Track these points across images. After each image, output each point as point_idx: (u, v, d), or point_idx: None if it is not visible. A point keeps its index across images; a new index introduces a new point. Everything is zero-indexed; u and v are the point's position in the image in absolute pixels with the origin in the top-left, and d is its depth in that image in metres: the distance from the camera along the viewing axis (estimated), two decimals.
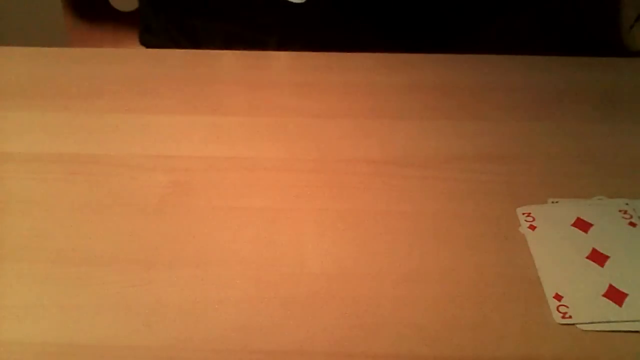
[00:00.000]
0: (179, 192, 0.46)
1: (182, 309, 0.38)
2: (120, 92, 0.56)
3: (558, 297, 0.38)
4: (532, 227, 0.43)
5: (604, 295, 0.38)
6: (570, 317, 0.37)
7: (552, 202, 0.45)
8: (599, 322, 0.37)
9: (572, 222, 0.43)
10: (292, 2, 0.50)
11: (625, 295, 0.38)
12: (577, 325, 0.37)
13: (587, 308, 0.37)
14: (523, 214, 0.44)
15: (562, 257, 0.41)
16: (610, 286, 0.38)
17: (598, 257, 0.40)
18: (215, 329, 0.37)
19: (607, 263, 0.40)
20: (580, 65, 0.60)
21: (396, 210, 0.44)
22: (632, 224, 0.42)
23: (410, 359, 0.35)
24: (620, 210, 0.43)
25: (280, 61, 0.56)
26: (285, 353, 0.36)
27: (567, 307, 0.37)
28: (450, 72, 0.58)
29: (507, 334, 0.36)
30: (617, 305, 0.37)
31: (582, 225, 0.43)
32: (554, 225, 0.43)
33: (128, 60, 0.62)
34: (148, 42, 0.77)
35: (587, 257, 0.40)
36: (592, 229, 0.42)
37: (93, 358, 0.36)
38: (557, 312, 0.37)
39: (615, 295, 0.38)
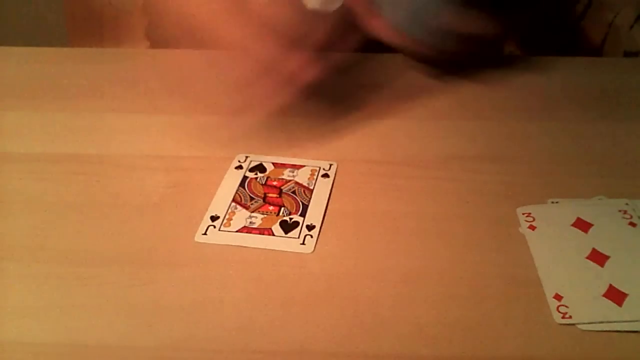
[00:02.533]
0: (179, 192, 0.46)
1: (182, 309, 0.38)
2: (120, 92, 0.56)
3: (558, 297, 0.38)
4: (532, 227, 0.43)
5: (604, 295, 0.38)
6: (570, 317, 0.37)
7: (552, 202, 0.45)
8: (599, 322, 0.37)
9: (572, 222, 0.43)
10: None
11: (625, 295, 0.38)
12: (577, 325, 0.37)
13: (587, 308, 0.37)
14: (523, 214, 0.44)
15: (562, 257, 0.41)
16: (610, 286, 0.38)
17: (598, 257, 0.40)
18: (215, 329, 0.37)
19: (607, 263, 0.40)
20: (580, 65, 0.60)
21: (396, 210, 0.44)
22: (632, 224, 0.42)
23: (410, 359, 0.35)
24: (620, 210, 0.43)
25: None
26: (285, 353, 0.36)
27: (567, 307, 0.37)
28: (450, 72, 0.58)
29: (507, 334, 0.36)
30: (617, 305, 0.37)
31: (582, 225, 0.43)
32: (554, 225, 0.43)
33: (128, 60, 0.62)
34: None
35: (587, 257, 0.40)
36: (592, 229, 0.42)
37: (93, 358, 0.36)
38: (557, 312, 0.37)
39: (615, 295, 0.38)
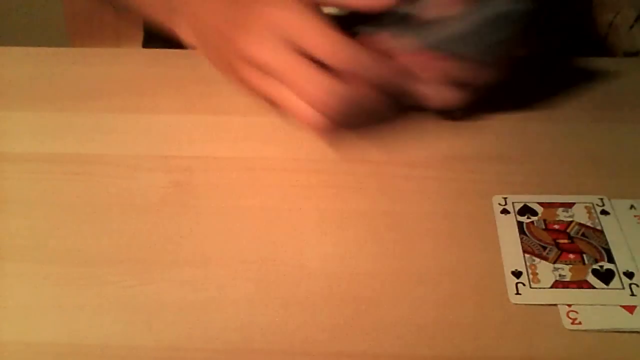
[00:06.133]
0: (179, 192, 0.46)
1: (182, 309, 0.38)
2: (120, 92, 0.56)
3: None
4: None
5: None
6: (580, 323, 0.36)
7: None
8: (609, 330, 0.36)
9: None
10: None
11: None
12: (587, 332, 0.36)
13: (597, 315, 0.37)
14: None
15: None
16: None
17: None
18: (215, 329, 0.37)
19: None
20: (580, 65, 0.60)
21: (396, 210, 0.44)
22: None
23: (410, 359, 0.35)
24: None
25: None
26: (285, 353, 0.36)
27: (577, 312, 0.37)
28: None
29: (507, 334, 0.36)
30: (628, 313, 0.37)
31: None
32: None
33: (128, 60, 0.62)
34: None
35: None
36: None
37: (93, 358, 0.36)
38: (566, 317, 0.36)
39: None
